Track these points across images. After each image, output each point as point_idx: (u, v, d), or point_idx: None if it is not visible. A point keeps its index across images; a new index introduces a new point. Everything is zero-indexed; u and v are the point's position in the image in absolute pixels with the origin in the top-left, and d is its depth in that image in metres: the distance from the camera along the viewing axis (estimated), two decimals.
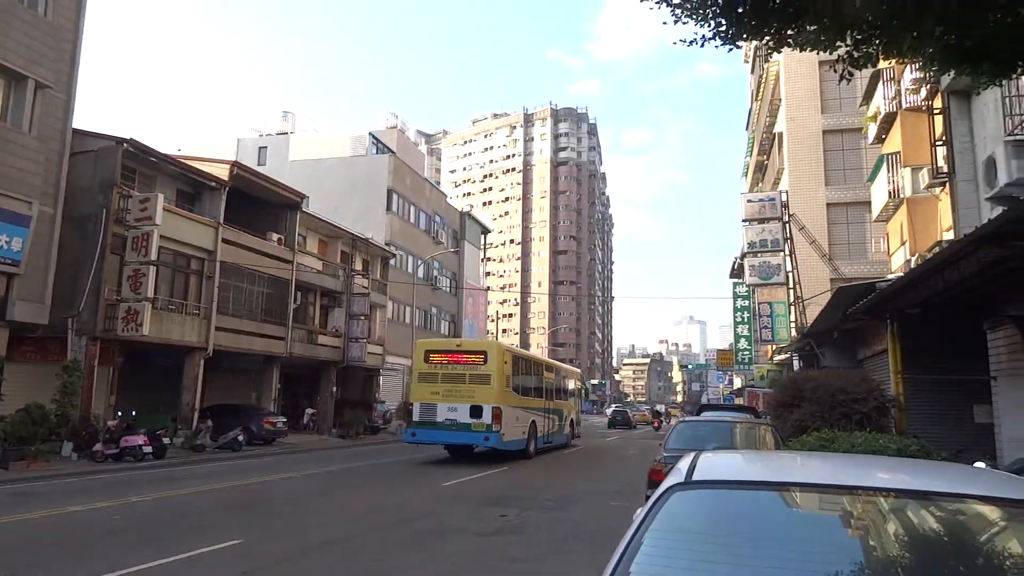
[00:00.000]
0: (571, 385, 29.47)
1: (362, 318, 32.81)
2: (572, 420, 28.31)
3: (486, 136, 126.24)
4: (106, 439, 17.46)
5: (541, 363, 26.08)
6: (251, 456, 20.39)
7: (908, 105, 17.25)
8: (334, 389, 31.84)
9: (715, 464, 2.87)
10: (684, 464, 2.78)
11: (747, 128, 48.00)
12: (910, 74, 16.19)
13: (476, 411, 18.80)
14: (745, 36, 5.52)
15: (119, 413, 19.07)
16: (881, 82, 18.66)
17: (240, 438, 21.16)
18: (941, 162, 15.00)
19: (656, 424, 53.08)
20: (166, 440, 18.43)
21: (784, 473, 2.96)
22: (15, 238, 17.34)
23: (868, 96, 20.59)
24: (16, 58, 17.56)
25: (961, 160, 13.85)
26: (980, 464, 7.80)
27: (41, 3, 18.59)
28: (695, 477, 2.56)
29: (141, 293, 19.77)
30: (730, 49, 5.66)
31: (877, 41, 5.35)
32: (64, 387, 18.13)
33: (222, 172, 24.83)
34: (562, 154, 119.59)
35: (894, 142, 18.06)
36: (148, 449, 17.42)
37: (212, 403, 24.32)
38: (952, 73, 6.35)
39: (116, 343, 20.46)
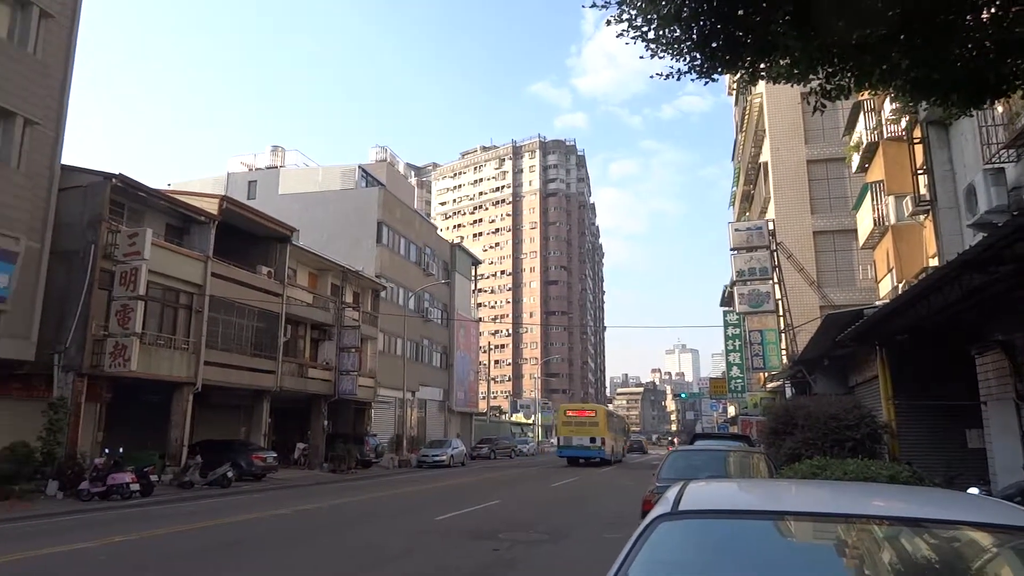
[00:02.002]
0: (622, 424, 55.03)
1: (353, 350, 32.64)
2: (623, 445, 49.59)
3: (475, 169, 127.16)
4: (92, 477, 17.17)
5: (614, 414, 49.36)
6: (240, 492, 20.08)
7: (889, 135, 17.53)
8: (325, 423, 31.53)
9: (702, 494, 2.84)
10: (671, 494, 2.75)
11: (733, 158, 48.62)
12: (890, 104, 16.50)
13: (592, 439, 37.20)
14: (720, 70, 5.65)
15: (106, 450, 18.77)
16: (862, 113, 18.99)
17: (229, 474, 20.87)
18: (923, 190, 15.21)
19: (669, 449, 55.03)
20: (154, 477, 18.15)
21: (772, 502, 2.93)
22: (1, 274, 17.25)
23: (850, 127, 20.94)
24: (4, 95, 17.66)
25: (942, 188, 14.06)
26: (973, 490, 7.79)
27: (30, 41, 18.74)
28: (681, 507, 2.54)
29: (129, 328, 19.63)
30: (706, 82, 5.80)
31: (848, 74, 5.49)
32: (50, 424, 17.89)
33: (212, 206, 24.87)
34: (551, 185, 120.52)
35: (877, 171, 18.32)
36: (135, 487, 17.14)
37: (201, 439, 24.01)
38: (924, 104, 6.51)
39: (103, 379, 20.24)
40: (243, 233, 27.37)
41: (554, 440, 73.46)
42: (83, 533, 11.96)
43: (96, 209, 20.16)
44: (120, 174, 20.73)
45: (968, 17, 4.98)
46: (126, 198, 22.17)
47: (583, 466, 36.51)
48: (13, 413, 18.46)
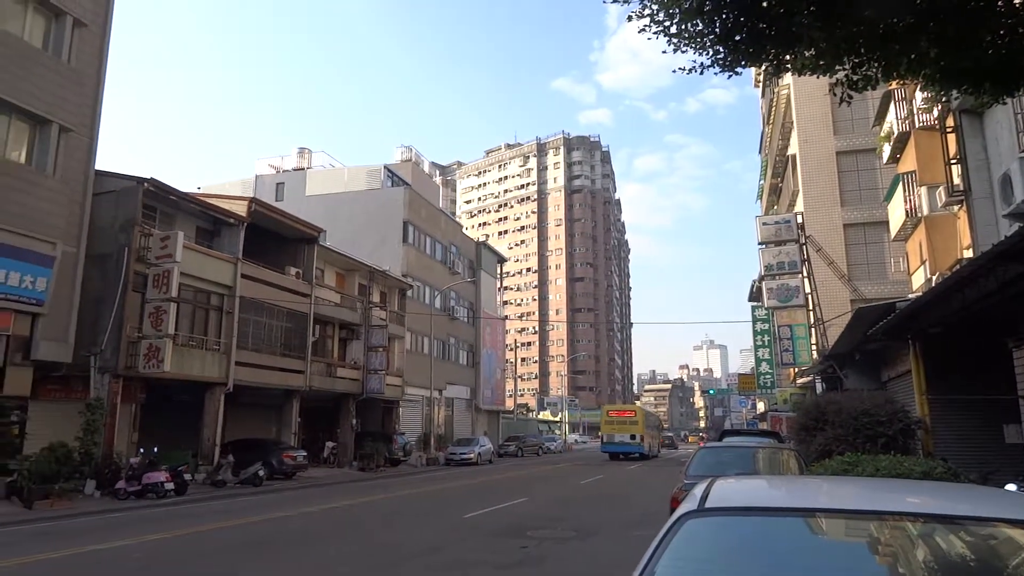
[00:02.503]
0: (657, 422, 57.52)
1: (380, 350, 32.89)
2: (658, 441, 53.18)
3: (500, 166, 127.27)
4: (128, 476, 17.55)
5: (650, 412, 54.10)
6: (272, 491, 20.36)
7: (921, 124, 17.17)
8: (354, 421, 31.82)
9: (729, 490, 2.82)
10: (698, 491, 2.73)
11: (760, 151, 48.01)
12: (921, 93, 16.16)
13: (632, 436, 41.45)
14: (743, 63, 5.57)
15: (141, 450, 19.17)
16: (893, 102, 18.63)
17: (261, 473, 21.16)
18: (957, 180, 14.89)
19: (701, 444, 57.35)
20: (187, 476, 18.46)
21: (801, 499, 2.89)
22: (39, 278, 17.68)
23: (880, 116, 20.55)
24: (40, 103, 18.08)
25: (977, 177, 13.75)
26: (1011, 486, 7.60)
27: (64, 50, 19.16)
28: (708, 504, 2.52)
29: (162, 330, 20.00)
30: (729, 76, 5.72)
31: (875, 64, 5.38)
32: (87, 425, 18.29)
33: (241, 209, 25.22)
34: (576, 182, 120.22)
35: (909, 161, 17.96)
36: (170, 486, 17.47)
37: (232, 438, 24.38)
38: (956, 93, 6.35)
39: (138, 380, 20.66)
40: (271, 234, 27.73)
41: (574, 437, 75.59)
42: (121, 531, 12.23)
43: (129, 213, 20.57)
44: (152, 178, 21.12)
45: (999, 2, 4.85)
46: (158, 202, 22.59)
47: (616, 463, 36.75)
48: (52, 414, 18.93)
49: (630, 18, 5.57)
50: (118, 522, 13.67)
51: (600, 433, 46.18)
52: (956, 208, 15.70)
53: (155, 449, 19.42)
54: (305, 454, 25.10)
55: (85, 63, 19.80)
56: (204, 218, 24.74)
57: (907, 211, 18.20)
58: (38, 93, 18.06)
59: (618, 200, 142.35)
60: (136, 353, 20.06)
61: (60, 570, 9.10)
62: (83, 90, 19.61)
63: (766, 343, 35.91)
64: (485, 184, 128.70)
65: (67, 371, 19.15)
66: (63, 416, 18.77)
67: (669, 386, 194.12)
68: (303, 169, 49.47)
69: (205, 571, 8.89)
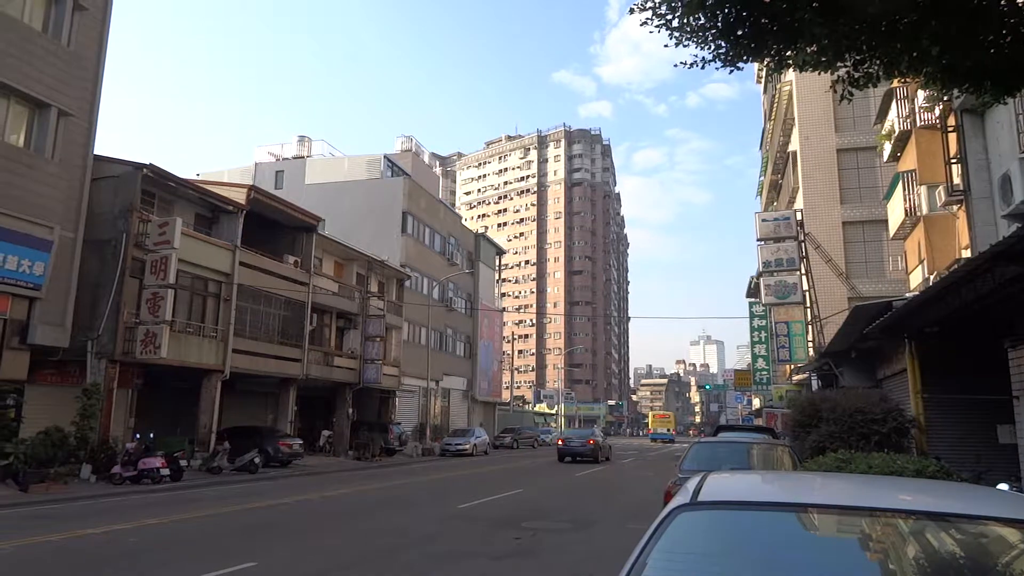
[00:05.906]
0: (677, 421, 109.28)
1: (378, 339, 32.90)
2: (675, 431, 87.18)
3: (500, 158, 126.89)
4: (124, 461, 17.58)
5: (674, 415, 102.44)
6: (267, 478, 20.41)
7: (922, 123, 17.16)
8: (350, 411, 31.87)
9: (722, 485, 2.82)
10: (691, 484, 2.74)
11: (761, 147, 47.95)
12: (923, 92, 16.14)
13: (667, 430, 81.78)
14: (745, 58, 5.55)
15: (137, 435, 19.19)
16: (894, 100, 18.61)
17: (257, 460, 21.20)
18: (957, 180, 14.89)
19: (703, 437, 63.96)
20: (183, 462, 18.50)
21: (792, 494, 2.89)
22: (37, 263, 17.64)
23: (882, 115, 20.53)
24: (39, 86, 17.99)
25: (976, 177, 13.75)
26: (1003, 486, 7.62)
27: (64, 33, 19.05)
28: (701, 498, 2.52)
29: (159, 316, 19.98)
30: (731, 71, 5.71)
31: (877, 61, 5.36)
32: (83, 410, 18.29)
33: (240, 196, 25.16)
34: (576, 175, 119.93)
35: (909, 160, 17.96)
36: (166, 471, 17.50)
37: (229, 425, 24.40)
38: (957, 92, 6.33)
39: (135, 365, 20.66)
40: (270, 222, 27.67)
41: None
42: (117, 515, 12.26)
43: (128, 199, 20.50)
44: (151, 164, 21.04)
45: (1002, 2, 4.84)
46: (156, 188, 22.52)
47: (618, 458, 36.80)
48: (48, 398, 18.92)
49: (632, 11, 5.55)
50: (114, 506, 13.70)
51: (649, 428, 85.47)
52: (955, 208, 15.71)
53: (151, 435, 19.45)
54: (301, 442, 25.14)
55: (85, 47, 19.69)
56: (203, 205, 24.67)
57: (906, 210, 18.21)
58: (37, 76, 17.97)
59: (618, 194, 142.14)
60: (133, 339, 20.05)
61: (57, 553, 9.13)
62: (82, 74, 19.52)
63: (763, 339, 36.03)
64: (485, 176, 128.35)
65: (64, 356, 19.12)
66: (59, 401, 18.77)
67: (665, 381, 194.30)
68: (303, 157, 49.30)
69: (201, 555, 8.92)
